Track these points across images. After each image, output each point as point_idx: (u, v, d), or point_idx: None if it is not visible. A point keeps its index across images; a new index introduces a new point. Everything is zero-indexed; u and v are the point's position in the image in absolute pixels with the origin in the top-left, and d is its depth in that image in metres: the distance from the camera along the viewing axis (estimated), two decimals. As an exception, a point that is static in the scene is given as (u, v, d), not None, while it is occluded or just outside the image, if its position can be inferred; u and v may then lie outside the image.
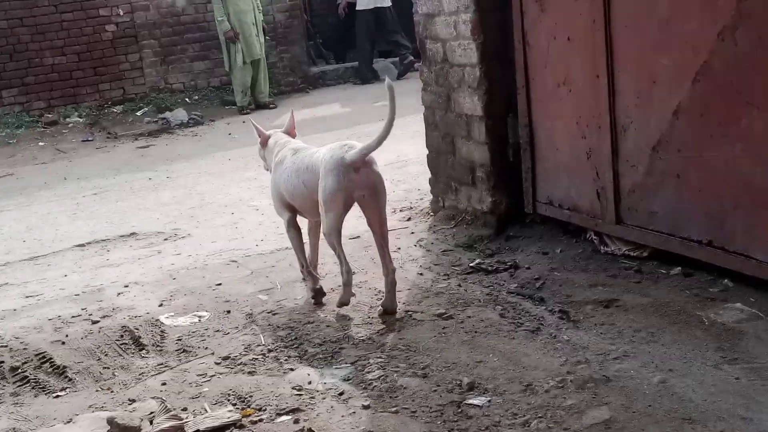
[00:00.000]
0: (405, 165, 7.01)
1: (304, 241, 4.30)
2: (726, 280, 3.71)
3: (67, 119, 11.56)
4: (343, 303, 4.00)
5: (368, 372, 3.37)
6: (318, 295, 4.15)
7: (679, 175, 3.84)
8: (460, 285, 4.19)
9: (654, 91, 3.90)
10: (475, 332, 3.63)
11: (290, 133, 4.50)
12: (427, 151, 5.44)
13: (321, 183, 3.87)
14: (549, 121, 4.57)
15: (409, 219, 5.47)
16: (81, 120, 11.53)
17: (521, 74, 4.67)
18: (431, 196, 5.48)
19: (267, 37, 11.83)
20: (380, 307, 3.93)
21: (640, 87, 3.97)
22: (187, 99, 12.14)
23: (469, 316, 3.79)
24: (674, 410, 2.80)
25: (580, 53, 4.27)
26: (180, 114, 11.15)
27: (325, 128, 9.51)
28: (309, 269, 4.26)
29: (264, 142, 4.46)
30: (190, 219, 6.23)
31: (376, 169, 3.93)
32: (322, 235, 4.10)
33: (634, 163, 4.07)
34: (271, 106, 11.54)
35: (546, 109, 4.58)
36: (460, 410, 2.99)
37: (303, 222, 4.34)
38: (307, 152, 4.15)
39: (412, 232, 5.13)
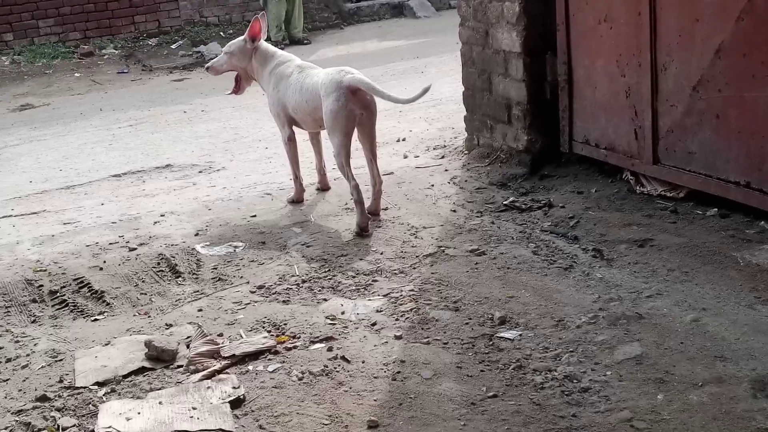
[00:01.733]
0: (440, 103, 6.96)
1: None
2: (762, 222, 3.69)
3: (103, 51, 11.58)
4: (360, 227, 4.24)
5: (401, 304, 3.41)
6: (298, 195, 4.76)
7: (718, 116, 3.79)
8: (493, 222, 4.19)
9: (696, 29, 3.83)
10: (508, 268, 3.64)
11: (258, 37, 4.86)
12: (463, 89, 5.40)
13: (323, 105, 4.27)
14: (588, 59, 4.51)
15: (443, 157, 5.46)
16: (116, 52, 11.55)
17: (561, 10, 4.59)
18: (466, 134, 5.45)
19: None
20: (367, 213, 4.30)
21: (683, 25, 3.89)
22: (221, 33, 12.09)
23: (502, 253, 3.80)
24: (706, 348, 2.81)
25: (622, -11, 4.20)
26: (214, 48, 11.10)
27: (359, 65, 9.46)
28: (300, 179, 4.79)
29: (254, 41, 4.83)
30: (225, 152, 6.26)
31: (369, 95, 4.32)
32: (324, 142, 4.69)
33: (673, 103, 4.01)
34: (305, 41, 11.47)
35: (585, 47, 4.51)
36: (491, 343, 3.02)
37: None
38: (312, 71, 4.56)
39: (446, 170, 5.12)
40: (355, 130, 4.35)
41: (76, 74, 10.57)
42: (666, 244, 3.68)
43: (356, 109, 4.25)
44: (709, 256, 3.50)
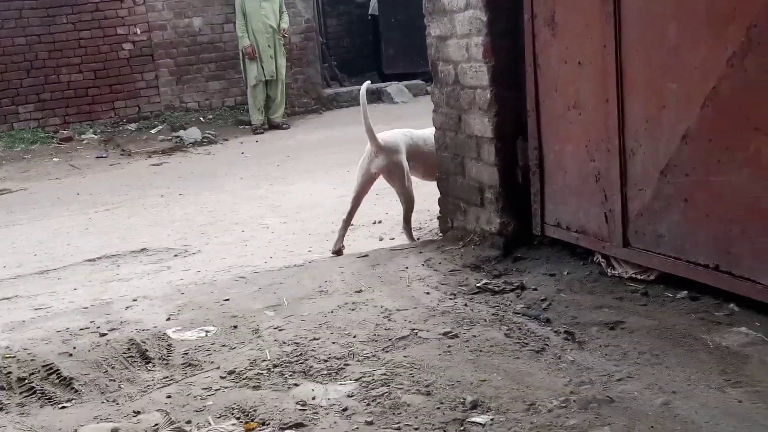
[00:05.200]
0: (416, 186, 7.01)
1: None
2: (732, 305, 3.71)
3: (82, 136, 11.67)
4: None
5: (372, 388, 3.38)
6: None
7: (686, 199, 3.85)
8: (466, 305, 4.20)
9: (663, 115, 3.92)
10: (480, 351, 3.63)
11: None
12: (437, 173, 5.47)
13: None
14: (558, 144, 4.59)
15: (417, 239, 5.50)
16: (95, 137, 11.64)
17: (531, 97, 4.69)
18: (440, 217, 5.50)
19: (288, 62, 11.93)
20: None
21: (650, 111, 3.98)
22: (201, 118, 12.25)
23: (475, 335, 3.79)
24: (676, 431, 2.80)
25: (590, 77, 4.30)
26: (194, 132, 11.25)
27: (338, 149, 9.58)
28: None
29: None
30: (201, 236, 6.27)
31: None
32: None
33: (642, 187, 4.08)
34: (284, 126, 11.63)
35: (555, 132, 4.60)
36: (462, 428, 2.99)
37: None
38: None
39: (421, 252, 5.14)
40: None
41: (55, 159, 10.62)
42: (637, 326, 3.69)
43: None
44: (679, 339, 3.51)
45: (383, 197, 6.89)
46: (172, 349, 3.98)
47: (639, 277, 4.18)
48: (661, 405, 2.99)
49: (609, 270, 4.33)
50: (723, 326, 3.57)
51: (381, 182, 7.42)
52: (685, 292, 3.93)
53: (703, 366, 3.25)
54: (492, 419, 3.03)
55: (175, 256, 5.78)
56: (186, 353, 3.91)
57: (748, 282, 3.57)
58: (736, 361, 3.27)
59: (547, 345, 3.63)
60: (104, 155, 10.66)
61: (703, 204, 3.77)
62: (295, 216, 6.61)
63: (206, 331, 4.16)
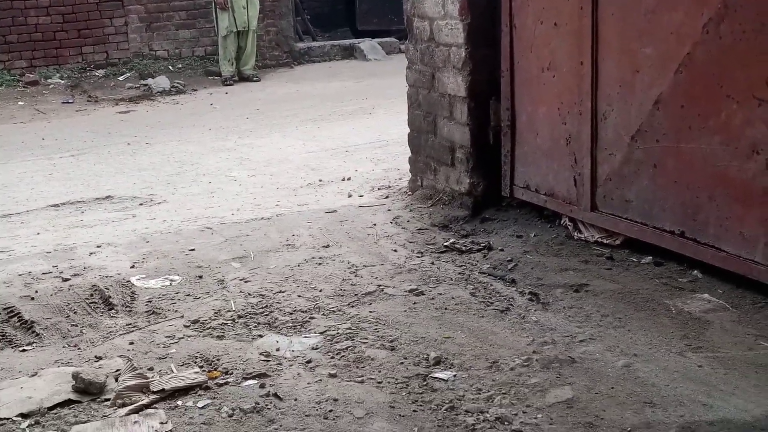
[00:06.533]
0: (386, 145, 7.01)
1: None
2: (696, 271, 3.76)
3: (48, 80, 11.44)
4: None
5: (336, 342, 3.38)
6: None
7: (656, 165, 3.87)
8: (433, 263, 4.21)
9: (637, 80, 3.92)
10: (445, 309, 3.64)
11: None
12: (408, 131, 5.44)
13: None
14: (531, 106, 4.58)
15: (387, 197, 5.48)
16: (62, 82, 11.42)
17: (506, 57, 4.67)
18: (410, 176, 5.49)
19: (260, 14, 11.75)
20: None
21: (623, 75, 3.98)
22: (170, 67, 12.04)
23: (440, 294, 3.80)
24: (636, 393, 2.84)
25: (565, 39, 4.28)
26: (162, 81, 11.06)
27: (307, 104, 9.50)
28: None
29: None
30: (167, 185, 6.20)
31: None
32: None
33: (612, 151, 4.09)
34: (254, 78, 11.48)
35: (529, 94, 4.59)
36: (425, 383, 3.01)
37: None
38: None
39: (389, 210, 5.14)
40: None
41: (20, 102, 10.41)
42: (601, 290, 3.72)
43: None
44: (642, 303, 3.55)
45: (353, 154, 6.87)
46: (135, 296, 3.95)
47: (605, 241, 4.21)
48: (622, 367, 3.02)
49: (576, 233, 4.36)
50: (686, 292, 3.62)
51: (352, 139, 7.41)
52: (650, 257, 3.97)
53: (665, 330, 3.29)
54: (455, 375, 3.05)
55: (141, 204, 5.71)
56: (150, 301, 3.88)
57: (713, 249, 3.61)
58: (697, 326, 3.31)
59: (511, 305, 3.65)
60: (70, 101, 10.46)
61: (672, 170, 3.79)
62: (263, 170, 6.55)
63: (171, 280, 4.13)
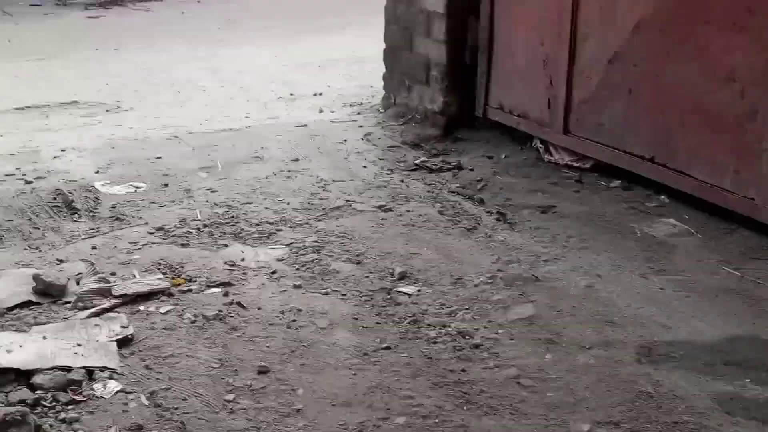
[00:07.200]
0: (361, 61, 6.89)
1: None
2: (663, 196, 3.77)
3: (16, -19, 11.09)
4: None
5: (303, 254, 3.36)
6: None
7: (631, 90, 3.84)
8: (402, 180, 4.18)
9: (618, 3, 3.86)
10: (413, 226, 3.63)
11: None
12: (383, 47, 5.35)
13: None
14: (510, 26, 4.51)
15: (359, 114, 5.42)
16: (30, -17, 11.07)
17: (486, -26, 4.57)
18: (383, 93, 5.42)
19: None
20: None
21: (604, -2, 3.92)
22: (143, -27, 11.72)
23: (409, 210, 3.79)
24: (597, 313, 2.86)
25: (547, -43, 4.20)
26: (134, -12, 10.77)
27: (283, 18, 9.31)
28: None
29: None
30: (135, 93, 6.08)
31: None
32: None
33: (588, 75, 4.05)
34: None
35: (508, 13, 4.51)
36: (389, 297, 3.01)
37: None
38: None
39: (361, 126, 5.08)
40: None
41: (-14, 3, 10.12)
42: (568, 212, 3.73)
43: None
44: (608, 226, 3.57)
45: (326, 69, 6.76)
46: (99, 202, 3.89)
47: (575, 164, 4.20)
48: (584, 287, 3.04)
49: (546, 156, 4.35)
50: (652, 216, 3.64)
51: (326, 55, 7.28)
52: (619, 181, 3.98)
53: (629, 253, 3.31)
54: (419, 290, 3.05)
55: (107, 111, 5.60)
56: (114, 207, 3.83)
57: (682, 175, 3.62)
58: (661, 250, 3.33)
59: (478, 224, 3.65)
60: (39, 3, 10.18)
61: (647, 96, 3.77)
62: (233, 81, 6.44)
63: (136, 187, 4.07)
